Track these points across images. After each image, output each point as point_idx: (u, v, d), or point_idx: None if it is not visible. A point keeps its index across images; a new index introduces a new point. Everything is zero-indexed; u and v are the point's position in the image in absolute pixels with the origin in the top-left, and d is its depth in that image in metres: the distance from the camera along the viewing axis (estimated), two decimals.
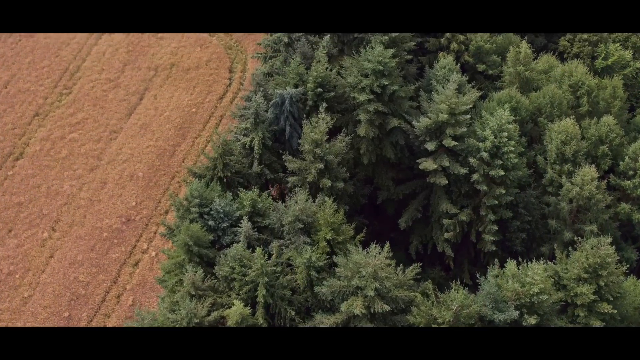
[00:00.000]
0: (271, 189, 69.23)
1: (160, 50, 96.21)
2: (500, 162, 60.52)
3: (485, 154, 60.53)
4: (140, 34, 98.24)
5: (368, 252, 51.83)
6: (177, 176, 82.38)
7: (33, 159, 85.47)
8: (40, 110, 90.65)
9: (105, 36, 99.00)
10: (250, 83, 71.28)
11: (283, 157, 62.67)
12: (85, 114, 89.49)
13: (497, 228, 62.94)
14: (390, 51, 63.00)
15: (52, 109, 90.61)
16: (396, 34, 66.17)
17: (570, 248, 59.45)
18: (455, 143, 60.99)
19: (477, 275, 55.75)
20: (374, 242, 52.92)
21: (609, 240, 54.25)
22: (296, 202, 55.93)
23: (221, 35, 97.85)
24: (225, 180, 62.02)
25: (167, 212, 79.59)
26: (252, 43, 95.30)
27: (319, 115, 60.62)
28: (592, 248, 54.65)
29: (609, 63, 75.06)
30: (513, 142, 60.29)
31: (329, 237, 54.34)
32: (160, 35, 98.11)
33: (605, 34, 77.86)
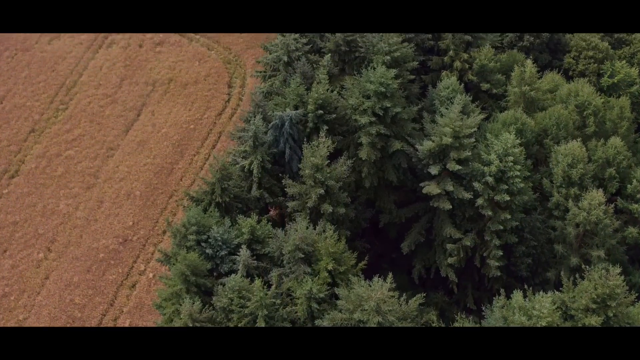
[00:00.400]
0: (270, 210, 67.73)
1: (158, 65, 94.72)
2: (506, 186, 59.21)
3: (490, 179, 59.24)
4: (138, 48, 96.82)
5: (370, 285, 50.36)
6: (174, 195, 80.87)
7: (28, 176, 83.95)
8: (36, 126, 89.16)
9: (102, 50, 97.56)
10: (250, 103, 69.86)
11: (283, 181, 61.30)
12: (81, 131, 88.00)
13: (502, 253, 61.62)
14: (393, 72, 61.74)
15: (48, 125, 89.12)
16: (398, 54, 64.90)
17: (577, 275, 58.14)
18: (460, 167, 59.69)
19: (482, 303, 54.43)
20: (376, 266, 51.51)
21: (618, 270, 52.79)
22: (296, 231, 54.47)
23: (220, 49, 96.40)
24: (223, 205, 60.58)
25: (164, 232, 78.06)
26: (251, 57, 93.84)
27: (319, 139, 59.24)
28: (600, 277, 53.23)
29: (615, 81, 73.76)
30: (519, 167, 59.00)
31: (330, 267, 52.91)
32: (158, 49, 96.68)
33: (611, 51, 76.63)
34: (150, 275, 74.94)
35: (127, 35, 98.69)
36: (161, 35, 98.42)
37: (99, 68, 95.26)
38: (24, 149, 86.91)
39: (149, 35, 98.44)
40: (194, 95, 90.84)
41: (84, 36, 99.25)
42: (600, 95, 70.65)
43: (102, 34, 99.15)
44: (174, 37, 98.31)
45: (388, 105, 60.84)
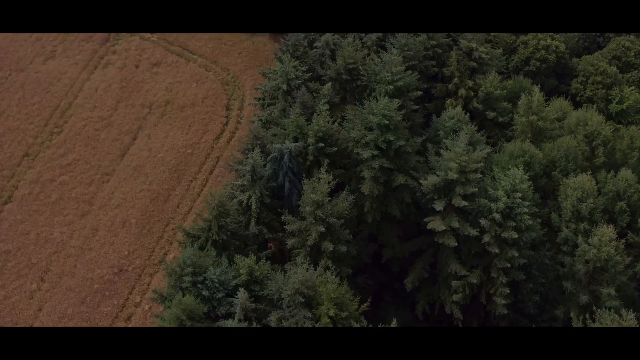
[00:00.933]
0: (270, 245, 65.67)
1: (155, 86, 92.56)
2: (514, 223, 57.23)
3: (497, 215, 57.24)
4: (134, 68, 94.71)
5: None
6: (171, 223, 78.70)
7: (22, 203, 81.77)
8: (30, 150, 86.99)
9: (98, 70, 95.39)
10: (247, 133, 67.77)
11: (282, 216, 59.23)
12: (76, 155, 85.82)
13: (509, 291, 59.53)
14: (396, 102, 59.82)
15: (42, 149, 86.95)
16: (402, 83, 62.84)
17: (586, 314, 56.21)
18: (466, 203, 57.65)
19: None
20: (379, 298, 49.34)
21: (631, 316, 50.76)
22: (296, 273, 52.35)
23: (218, 69, 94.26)
24: (220, 242, 58.46)
25: (160, 262, 75.91)
26: (250, 79, 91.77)
27: (319, 175, 57.18)
28: (612, 322, 51.22)
29: (624, 107, 71.76)
30: (527, 203, 56.99)
31: (331, 313, 50.76)
32: (154, 69, 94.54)
33: (619, 76, 74.63)
34: (146, 307, 72.81)
35: (124, 55, 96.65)
36: (158, 55, 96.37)
37: (95, 89, 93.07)
38: (17, 174, 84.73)
39: (145, 55, 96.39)
40: (192, 118, 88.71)
41: (79, 56, 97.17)
42: (609, 122, 68.61)
43: (98, 54, 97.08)
44: (171, 57, 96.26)
45: (391, 138, 58.89)
